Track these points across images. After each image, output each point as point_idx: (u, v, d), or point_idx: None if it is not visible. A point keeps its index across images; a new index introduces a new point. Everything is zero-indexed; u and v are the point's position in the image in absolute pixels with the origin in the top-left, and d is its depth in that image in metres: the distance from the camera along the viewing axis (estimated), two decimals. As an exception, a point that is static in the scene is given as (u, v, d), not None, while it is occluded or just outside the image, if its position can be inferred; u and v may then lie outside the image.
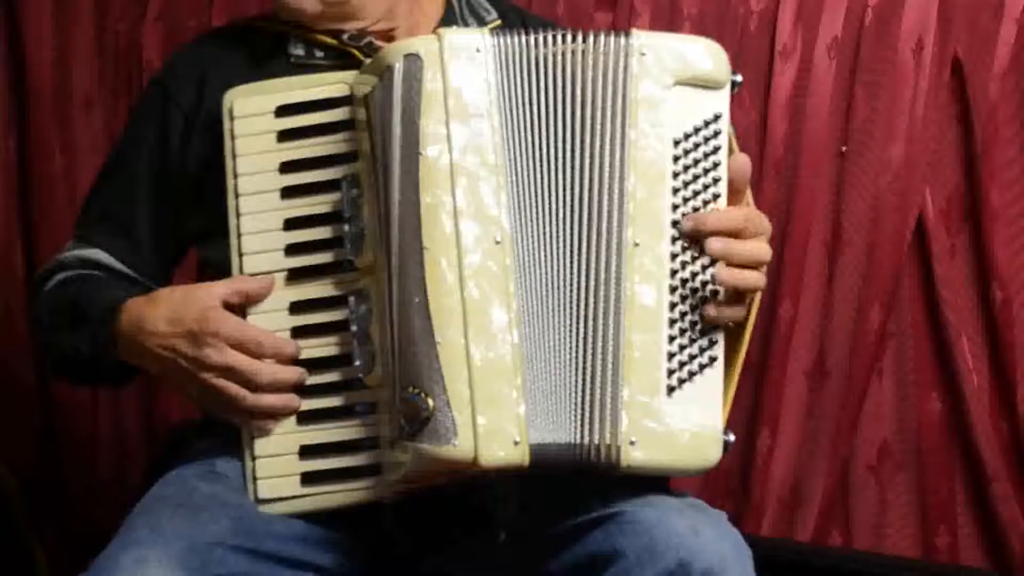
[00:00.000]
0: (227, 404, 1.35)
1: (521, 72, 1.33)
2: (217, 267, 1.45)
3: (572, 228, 1.31)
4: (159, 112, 1.55)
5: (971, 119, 1.99)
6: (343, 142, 1.38)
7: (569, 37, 1.34)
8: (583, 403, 1.29)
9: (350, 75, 1.39)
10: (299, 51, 1.54)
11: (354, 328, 1.35)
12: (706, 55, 1.36)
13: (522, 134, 1.32)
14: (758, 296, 1.37)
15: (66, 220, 1.74)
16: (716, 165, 1.34)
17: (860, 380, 2.05)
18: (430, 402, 1.26)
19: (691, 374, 1.32)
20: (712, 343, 1.33)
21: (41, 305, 1.52)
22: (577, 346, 1.30)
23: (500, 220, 1.30)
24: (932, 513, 2.05)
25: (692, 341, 1.32)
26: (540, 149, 1.32)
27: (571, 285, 1.31)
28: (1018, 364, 1.99)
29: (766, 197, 2.05)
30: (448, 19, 1.58)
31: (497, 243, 1.29)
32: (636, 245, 1.31)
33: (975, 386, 2.01)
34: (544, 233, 1.31)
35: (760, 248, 1.35)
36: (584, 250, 1.31)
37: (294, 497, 1.36)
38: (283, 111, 1.40)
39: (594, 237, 1.31)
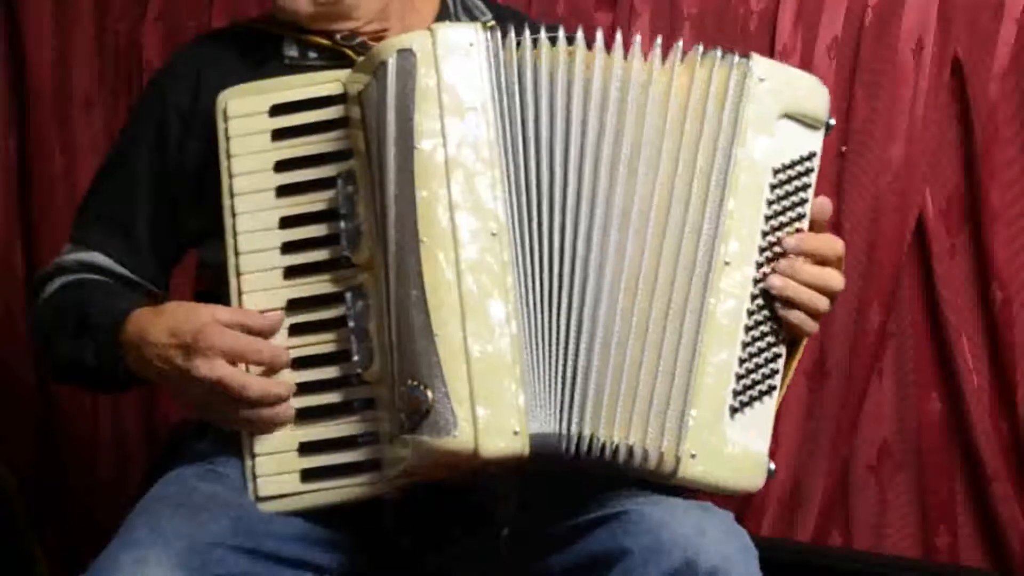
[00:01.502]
0: (221, 417, 1.36)
1: (517, 69, 1.33)
2: (215, 268, 1.45)
3: (612, 231, 1.31)
4: (157, 113, 1.55)
5: (971, 119, 1.99)
6: (337, 140, 1.38)
7: (651, 48, 1.35)
8: (628, 401, 1.29)
9: (343, 73, 1.39)
10: (293, 52, 1.54)
11: (352, 324, 1.35)
12: (815, 93, 1.38)
13: (519, 129, 1.32)
14: (804, 340, 1.39)
15: (66, 220, 1.74)
16: (803, 202, 1.36)
17: (860, 380, 2.05)
18: (430, 395, 1.26)
19: (752, 399, 1.33)
20: (773, 372, 1.34)
21: (42, 310, 1.53)
22: (611, 344, 1.30)
23: (496, 213, 1.30)
24: (932, 513, 2.05)
25: (757, 367, 1.33)
26: (543, 144, 1.32)
27: (606, 281, 1.30)
28: (1018, 364, 1.99)
29: (766, 197, 2.05)
30: (442, 19, 1.58)
31: (493, 235, 1.29)
32: (726, 264, 1.31)
33: (975, 386, 2.01)
34: (546, 226, 1.31)
35: (836, 276, 1.37)
36: (663, 260, 1.31)
37: (294, 494, 1.35)
38: (277, 110, 1.41)
39: (681, 249, 1.31)
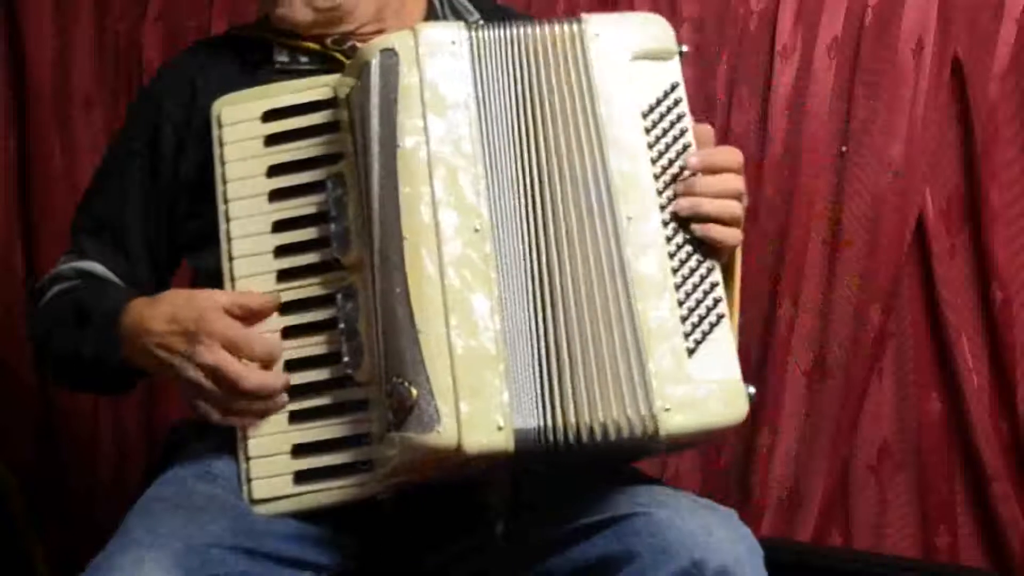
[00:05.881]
0: (217, 403, 1.35)
1: (496, 63, 1.35)
2: (210, 274, 1.45)
3: (557, 212, 1.32)
4: (150, 125, 1.56)
5: (971, 119, 1.99)
6: (328, 143, 1.39)
7: (523, 28, 1.37)
8: (596, 382, 1.29)
9: (334, 78, 1.41)
10: (284, 58, 1.55)
11: (342, 325, 1.35)
12: (653, 29, 1.40)
13: (500, 124, 1.34)
14: (739, 249, 1.40)
15: (66, 220, 1.75)
16: (684, 132, 1.38)
17: (860, 380, 2.05)
18: (413, 391, 1.26)
19: (704, 334, 1.33)
20: (716, 301, 1.35)
21: (40, 315, 1.53)
22: (573, 328, 1.30)
23: (479, 208, 1.31)
24: (932, 513, 2.05)
25: (698, 303, 1.34)
26: (516, 138, 1.34)
27: (561, 268, 1.31)
28: (1018, 364, 1.99)
29: (766, 197, 2.05)
30: (430, 19, 1.58)
31: (476, 231, 1.30)
32: (629, 219, 1.33)
33: (975, 386, 2.01)
34: (524, 219, 1.32)
35: (732, 179, 1.38)
36: (577, 232, 1.32)
37: (287, 496, 1.35)
38: (270, 116, 1.42)
39: (586, 218, 1.32)
